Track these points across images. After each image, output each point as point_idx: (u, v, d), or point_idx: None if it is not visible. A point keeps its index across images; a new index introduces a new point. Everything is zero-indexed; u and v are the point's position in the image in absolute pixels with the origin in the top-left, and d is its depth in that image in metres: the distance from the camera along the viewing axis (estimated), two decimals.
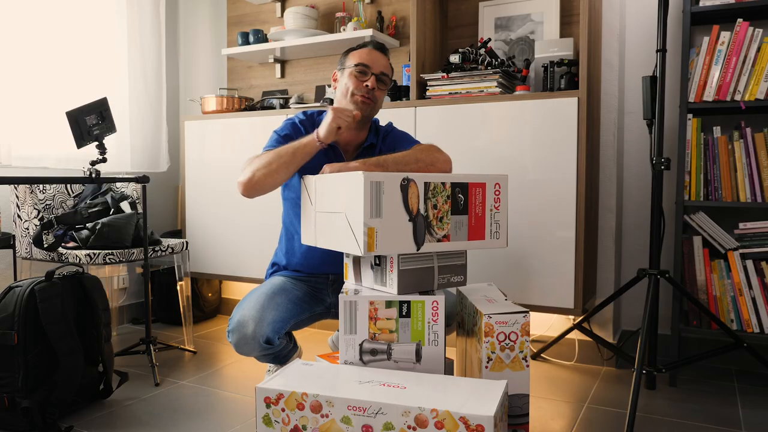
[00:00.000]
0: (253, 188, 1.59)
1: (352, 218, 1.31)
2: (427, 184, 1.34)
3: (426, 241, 1.35)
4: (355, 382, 1.29)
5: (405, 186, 1.32)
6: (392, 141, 1.82)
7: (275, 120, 2.55)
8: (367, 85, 1.69)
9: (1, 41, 2.31)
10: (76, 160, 2.50)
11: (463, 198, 1.40)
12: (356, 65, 1.71)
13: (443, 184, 1.37)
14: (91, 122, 1.91)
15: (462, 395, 1.20)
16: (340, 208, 1.37)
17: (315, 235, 1.51)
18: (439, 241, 1.37)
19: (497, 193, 1.45)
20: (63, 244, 2.14)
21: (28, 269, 2.29)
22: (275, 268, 1.93)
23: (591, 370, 2.21)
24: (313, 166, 1.79)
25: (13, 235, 2.04)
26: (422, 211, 1.34)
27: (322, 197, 1.46)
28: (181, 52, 3.21)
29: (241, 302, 1.70)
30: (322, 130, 1.55)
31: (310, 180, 1.52)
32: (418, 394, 1.21)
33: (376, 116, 1.88)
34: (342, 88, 1.74)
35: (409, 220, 1.33)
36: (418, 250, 1.35)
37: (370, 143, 1.80)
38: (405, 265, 1.37)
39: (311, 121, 1.80)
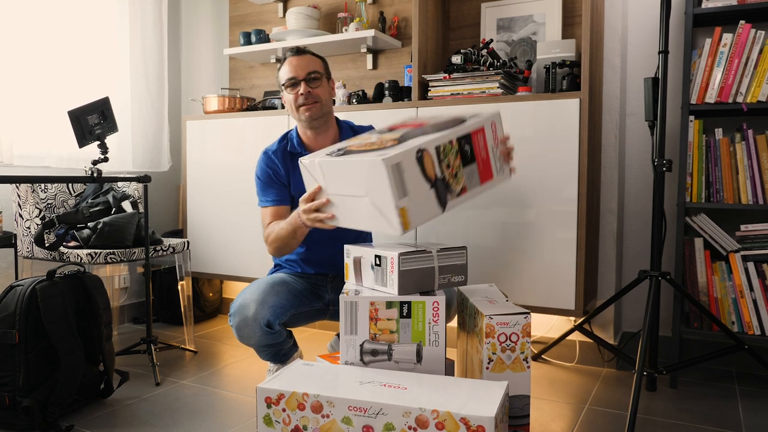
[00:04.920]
0: (278, 256, 1.82)
1: (381, 202, 1.31)
2: (437, 148, 1.35)
3: (447, 200, 1.38)
4: (355, 382, 1.29)
5: (420, 158, 1.32)
6: None
7: (276, 120, 2.56)
8: (301, 94, 1.77)
9: (4, 41, 2.32)
10: (78, 159, 2.51)
11: (470, 148, 1.42)
12: (284, 83, 1.81)
13: (450, 142, 1.37)
14: (92, 122, 1.92)
15: (463, 396, 1.20)
16: (359, 191, 1.36)
17: (338, 216, 1.49)
18: (458, 195, 1.40)
19: (494, 131, 1.48)
20: (64, 243, 2.14)
21: (29, 268, 2.30)
22: (276, 268, 1.95)
23: (592, 372, 2.21)
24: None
25: (15, 234, 2.04)
26: (439, 175, 1.35)
27: (334, 182, 1.44)
28: (182, 52, 3.21)
29: (242, 290, 1.75)
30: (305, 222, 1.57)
31: (313, 164, 1.47)
32: (419, 394, 1.21)
33: (351, 119, 1.97)
34: (287, 105, 1.84)
35: (431, 188, 1.34)
36: (443, 211, 1.37)
37: None
38: (405, 265, 1.37)
39: (282, 148, 1.87)
